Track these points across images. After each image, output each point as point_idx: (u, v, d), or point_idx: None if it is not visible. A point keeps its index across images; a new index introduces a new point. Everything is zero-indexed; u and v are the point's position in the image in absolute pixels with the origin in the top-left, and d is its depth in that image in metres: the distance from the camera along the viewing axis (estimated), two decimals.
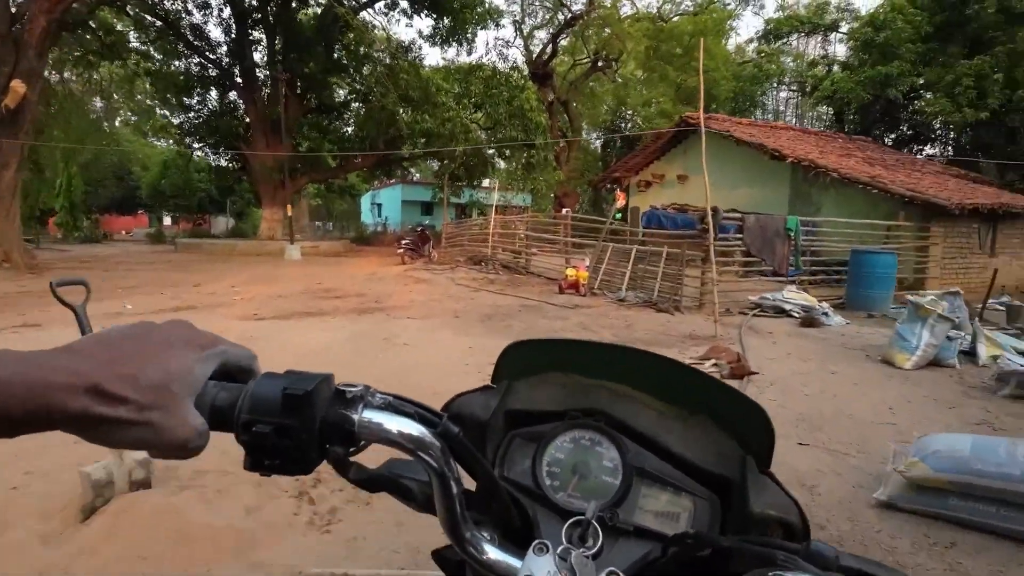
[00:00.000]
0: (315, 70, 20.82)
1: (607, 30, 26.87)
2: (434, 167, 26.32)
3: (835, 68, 26.08)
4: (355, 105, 24.06)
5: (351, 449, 0.44)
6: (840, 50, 29.89)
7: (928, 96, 20.03)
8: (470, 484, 0.49)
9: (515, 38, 43.68)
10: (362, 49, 20.68)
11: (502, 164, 25.09)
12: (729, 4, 29.95)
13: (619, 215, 13.84)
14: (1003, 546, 2.39)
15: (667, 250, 9.09)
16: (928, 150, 24.18)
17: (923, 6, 19.67)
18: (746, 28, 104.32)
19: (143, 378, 0.38)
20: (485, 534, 0.47)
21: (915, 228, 11.13)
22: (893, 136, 23.41)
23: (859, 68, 21.02)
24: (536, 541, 0.43)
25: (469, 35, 22.10)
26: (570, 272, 10.30)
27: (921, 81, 19.73)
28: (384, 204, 38.99)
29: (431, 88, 18.63)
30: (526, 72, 23.66)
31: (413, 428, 0.43)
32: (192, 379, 0.41)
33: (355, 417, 0.43)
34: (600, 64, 28.62)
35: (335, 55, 21.61)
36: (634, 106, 31.23)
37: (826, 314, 7.85)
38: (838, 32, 27.57)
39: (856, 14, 26.12)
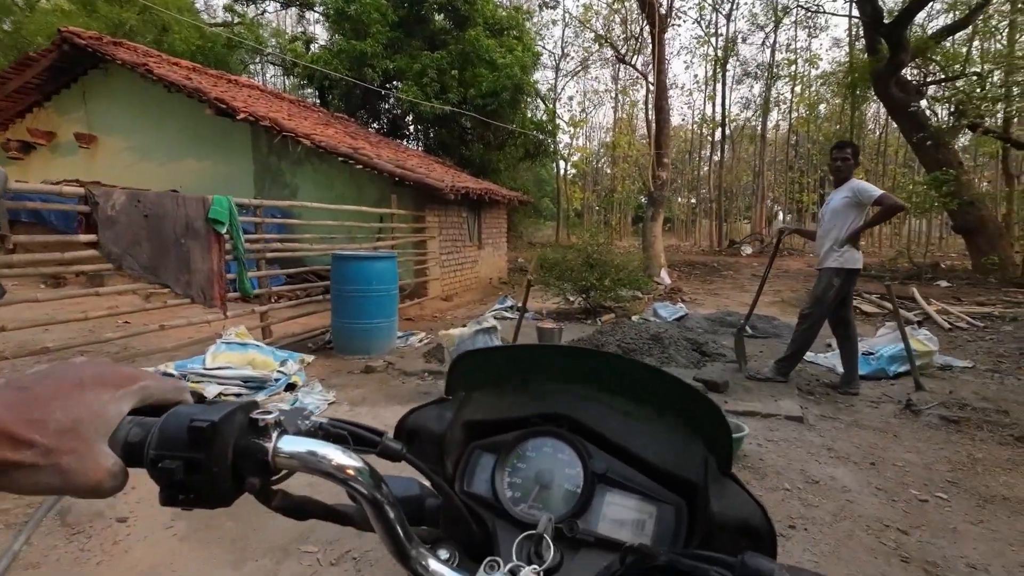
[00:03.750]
0: None
1: None
2: None
3: (314, 47, 24.11)
4: None
5: (273, 478, 0.42)
6: (321, 32, 28.42)
7: (400, 85, 19.65)
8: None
9: None
10: None
11: None
12: None
13: None
14: None
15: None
16: (406, 144, 25.07)
17: None
18: None
19: (52, 422, 0.37)
20: (443, 553, 0.46)
21: (411, 217, 8.67)
22: (376, 127, 23.18)
23: (336, 42, 19.07)
24: (488, 559, 0.42)
25: None
26: None
27: (393, 66, 19.10)
28: None
29: None
30: None
31: (335, 454, 0.41)
32: (104, 420, 0.39)
33: (268, 446, 0.40)
34: None
35: None
36: None
37: (292, 386, 3.89)
38: (315, 11, 25.63)
39: None
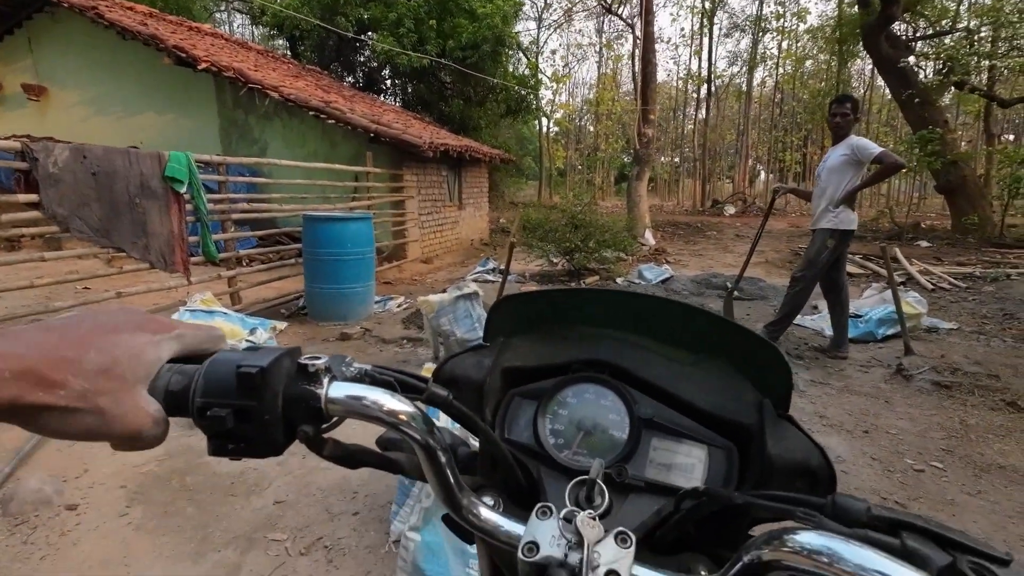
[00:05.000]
0: None
1: None
2: None
3: None
4: None
5: (323, 426, 0.41)
6: None
7: (375, 35, 18.75)
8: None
9: None
10: None
11: None
12: None
13: None
14: None
15: None
16: (383, 100, 24.16)
17: None
18: None
19: (86, 362, 0.35)
20: (488, 499, 0.45)
21: (388, 176, 8.30)
22: (351, 80, 22.25)
23: None
24: (539, 504, 0.41)
25: None
26: None
27: (367, 15, 18.17)
28: None
29: None
30: None
31: (387, 399, 0.40)
32: (143, 363, 0.38)
33: (320, 392, 0.39)
34: None
35: None
36: None
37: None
38: None
39: None
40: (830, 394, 3.58)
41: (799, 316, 4.97)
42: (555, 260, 8.16)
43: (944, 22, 15.09)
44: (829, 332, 4.50)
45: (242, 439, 0.38)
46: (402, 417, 0.40)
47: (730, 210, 21.13)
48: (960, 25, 14.58)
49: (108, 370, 0.36)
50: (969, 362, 4.03)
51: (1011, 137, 25.22)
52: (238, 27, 32.53)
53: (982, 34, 13.59)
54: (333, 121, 8.01)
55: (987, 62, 13.13)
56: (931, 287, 6.99)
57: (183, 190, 4.36)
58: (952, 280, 7.30)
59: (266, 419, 0.38)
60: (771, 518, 0.39)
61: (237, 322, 4.18)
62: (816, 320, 5.20)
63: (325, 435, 0.42)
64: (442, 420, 1.50)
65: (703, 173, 26.25)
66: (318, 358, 0.41)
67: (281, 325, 4.79)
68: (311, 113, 8.08)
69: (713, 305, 5.70)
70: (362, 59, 20.95)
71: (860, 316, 4.93)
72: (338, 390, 0.40)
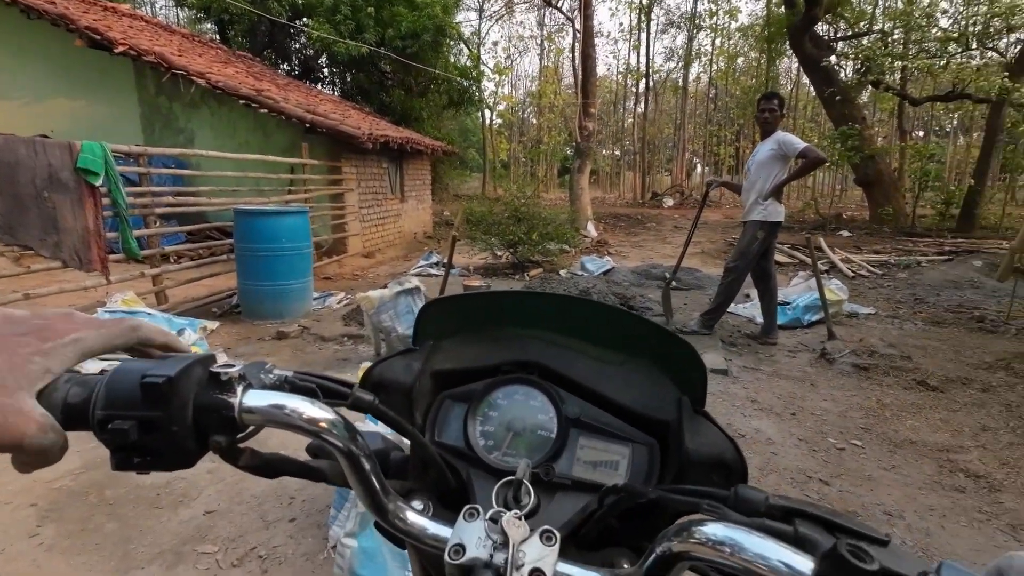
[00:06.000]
0: None
1: None
2: None
3: None
4: None
5: (239, 436, 0.40)
6: None
7: (311, 21, 18.07)
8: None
9: None
10: None
11: None
12: None
13: None
14: None
15: None
16: (320, 89, 23.33)
17: None
18: None
19: None
20: (417, 504, 0.45)
21: (326, 168, 8.04)
22: (285, 68, 21.37)
23: None
24: (467, 507, 0.41)
25: None
26: None
27: (302, 1, 17.48)
28: None
29: None
30: None
31: (306, 407, 0.39)
32: (26, 374, 0.36)
33: (234, 401, 0.39)
34: None
35: None
36: None
37: None
38: None
39: None
40: (761, 379, 3.75)
41: (733, 304, 5.18)
42: (499, 253, 8.16)
43: (862, 24, 16.02)
44: (760, 320, 4.71)
45: (148, 452, 0.37)
46: (322, 425, 0.40)
47: (669, 202, 21.75)
48: (876, 27, 15.53)
49: None
50: (885, 344, 4.31)
51: (921, 134, 27.13)
52: (160, 8, 30.58)
53: (895, 36, 14.52)
54: (266, 110, 7.67)
55: (900, 63, 14.04)
56: (852, 275, 7.45)
57: (99, 183, 4.06)
58: (870, 268, 7.81)
59: (174, 430, 0.37)
60: (687, 511, 0.40)
61: (163, 323, 3.95)
62: (748, 308, 5.43)
63: (241, 445, 0.41)
64: (380, 426, 1.47)
65: (643, 166, 26.87)
66: (232, 365, 0.40)
67: (212, 325, 4.56)
68: (242, 102, 7.70)
69: (652, 295, 5.85)
70: (297, 46, 20.15)
71: (788, 303, 5.19)
72: (253, 398, 0.39)
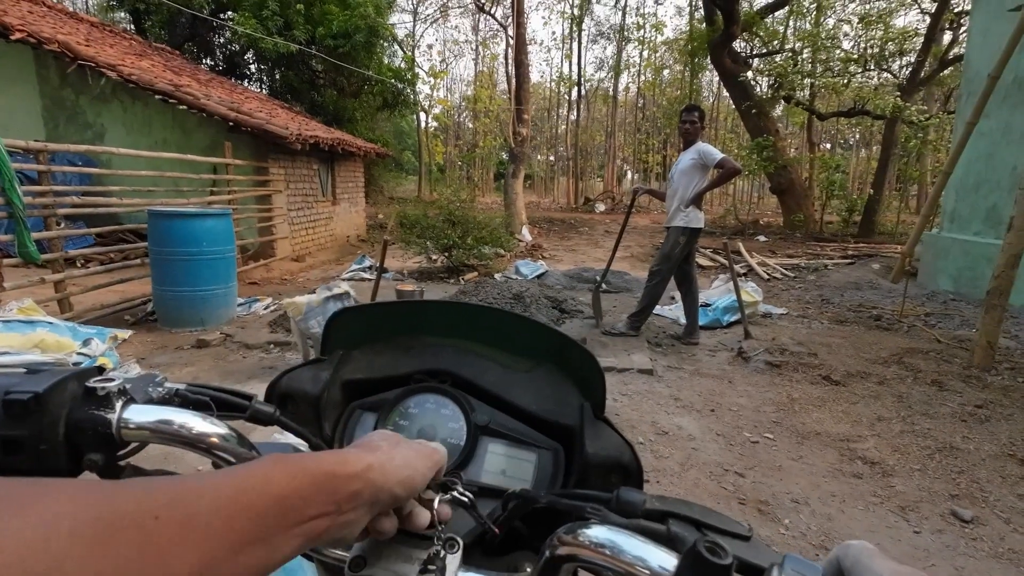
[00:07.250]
0: None
1: None
2: None
3: None
4: None
5: (120, 453, 0.39)
6: None
7: (235, 16, 17.27)
8: None
9: None
10: None
11: None
12: None
13: None
14: None
15: None
16: (246, 86, 22.29)
17: None
18: None
19: None
20: None
21: (252, 169, 7.72)
22: (208, 63, 20.27)
23: None
24: None
25: None
26: None
27: None
28: None
29: None
30: None
31: (196, 421, 0.38)
32: None
33: (112, 417, 0.37)
34: None
35: None
36: None
37: None
38: None
39: None
40: (683, 378, 3.95)
41: (658, 306, 5.40)
42: (434, 257, 8.12)
43: (775, 43, 17.15)
44: (684, 321, 4.95)
45: (13, 473, 0.35)
46: (213, 440, 0.39)
47: (600, 207, 22.37)
48: (788, 46, 16.65)
49: None
50: (795, 343, 4.64)
51: (828, 146, 29.32)
52: None
53: (804, 56, 15.63)
54: (185, 107, 7.28)
55: (808, 80, 15.12)
56: (767, 277, 7.95)
57: None
58: (783, 270, 8.36)
59: (43, 449, 0.35)
60: (575, 515, 0.41)
61: (67, 332, 3.67)
62: (673, 310, 5.69)
63: (122, 463, 0.40)
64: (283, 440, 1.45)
65: (576, 172, 27.50)
66: (111, 380, 0.39)
67: (124, 334, 4.28)
68: (158, 97, 7.28)
69: (583, 298, 6.01)
70: (222, 41, 19.19)
71: (709, 305, 5.47)
72: (136, 414, 0.38)
